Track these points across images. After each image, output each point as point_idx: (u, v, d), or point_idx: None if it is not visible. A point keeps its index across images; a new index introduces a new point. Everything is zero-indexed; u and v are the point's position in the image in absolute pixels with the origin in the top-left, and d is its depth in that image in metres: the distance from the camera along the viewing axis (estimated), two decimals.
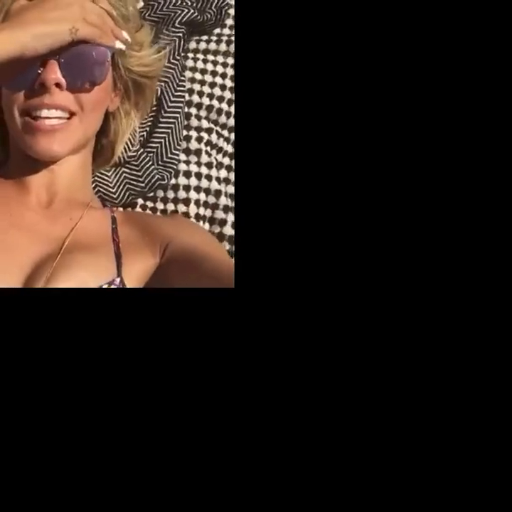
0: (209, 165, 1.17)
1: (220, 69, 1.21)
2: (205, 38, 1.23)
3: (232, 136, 1.20)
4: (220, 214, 1.15)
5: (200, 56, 1.22)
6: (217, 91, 1.20)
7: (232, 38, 1.22)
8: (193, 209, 1.15)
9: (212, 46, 1.22)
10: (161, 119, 1.14)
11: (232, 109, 1.19)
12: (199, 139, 1.17)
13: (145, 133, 1.15)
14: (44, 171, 1.02)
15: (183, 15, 1.16)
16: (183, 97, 1.16)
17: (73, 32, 0.92)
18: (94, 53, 0.97)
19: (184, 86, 1.17)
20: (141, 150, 1.13)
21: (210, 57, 1.22)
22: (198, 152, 1.17)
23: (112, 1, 1.00)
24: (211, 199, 1.16)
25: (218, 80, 1.21)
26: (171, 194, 1.15)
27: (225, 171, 1.18)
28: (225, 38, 1.23)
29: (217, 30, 1.24)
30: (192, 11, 1.17)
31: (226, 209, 1.15)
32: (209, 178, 1.16)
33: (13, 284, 0.92)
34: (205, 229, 1.14)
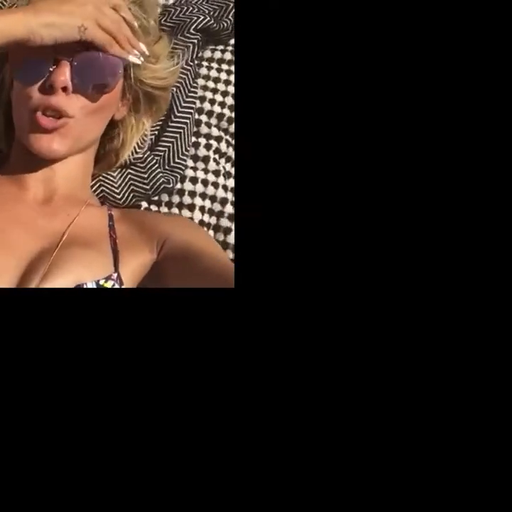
0: (216, 173, 1.16)
1: (233, 79, 1.21)
2: (220, 47, 1.23)
3: None
4: (225, 222, 1.14)
5: (215, 65, 1.22)
6: (229, 100, 1.20)
7: None
8: (197, 215, 1.14)
9: (228, 56, 1.23)
10: (171, 124, 1.14)
11: (234, 114, 1.19)
12: (208, 147, 1.17)
13: (153, 136, 1.15)
14: (43, 168, 1.02)
15: (198, 21, 1.17)
16: (194, 103, 1.16)
17: (82, 30, 0.93)
18: (107, 62, 0.97)
19: (196, 92, 1.17)
20: (149, 153, 1.13)
21: (225, 66, 1.22)
22: (205, 159, 1.16)
23: (135, 11, 1.01)
24: (217, 207, 1.15)
25: (231, 89, 1.20)
26: (176, 199, 1.14)
27: (232, 180, 1.17)
28: None
29: (232, 41, 1.24)
30: (208, 18, 1.17)
31: (231, 217, 1.14)
32: (216, 185, 1.15)
33: (9, 279, 0.92)
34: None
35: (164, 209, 1.14)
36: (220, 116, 1.19)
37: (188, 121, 1.14)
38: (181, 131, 1.14)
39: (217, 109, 1.19)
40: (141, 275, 0.99)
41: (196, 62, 1.18)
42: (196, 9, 1.19)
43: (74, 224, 1.00)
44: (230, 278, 0.86)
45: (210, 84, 1.20)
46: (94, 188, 1.11)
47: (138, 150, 1.11)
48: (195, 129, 1.17)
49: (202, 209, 1.14)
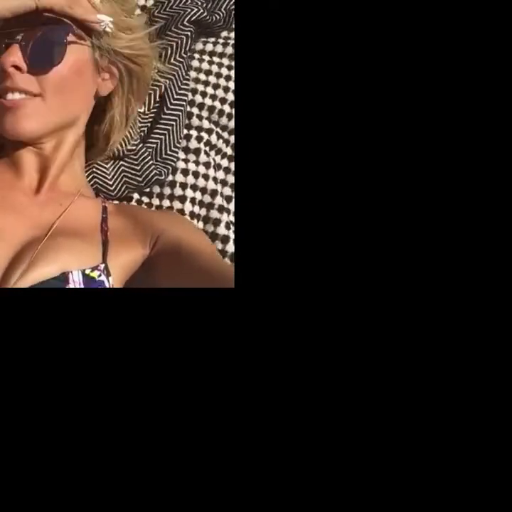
0: (207, 165, 1.17)
1: (224, 71, 1.22)
2: (212, 39, 1.24)
3: (232, 138, 1.20)
4: (214, 213, 1.15)
5: (206, 57, 1.23)
6: (220, 92, 1.20)
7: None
8: (188, 207, 1.15)
9: (219, 48, 1.23)
10: (163, 116, 1.15)
11: (234, 111, 1.20)
12: (199, 139, 1.18)
13: (146, 128, 1.15)
14: (34, 153, 1.03)
15: (192, 13, 1.17)
16: (187, 95, 1.17)
17: None
18: (53, 33, 0.98)
19: (188, 85, 1.18)
20: (141, 145, 1.13)
21: (216, 59, 1.23)
22: (197, 151, 1.17)
23: None
24: (207, 198, 1.16)
25: (222, 81, 1.21)
26: (167, 191, 1.16)
27: (222, 172, 1.19)
28: (231, 41, 1.24)
29: (224, 34, 1.25)
30: (201, 10, 1.18)
31: (221, 209, 1.15)
32: (206, 177, 1.17)
33: None
34: (196, 225, 1.14)
35: (156, 200, 1.16)
36: (212, 109, 1.20)
37: (180, 113, 1.15)
38: (174, 123, 1.15)
39: (208, 101, 1.20)
40: (131, 269, 1.00)
41: (189, 54, 1.19)
42: (189, 1, 1.19)
43: (65, 214, 1.00)
44: (223, 277, 0.87)
45: (202, 76, 1.21)
46: (87, 180, 1.11)
47: (131, 141, 1.12)
48: (186, 122, 1.18)
49: (193, 200, 1.16)
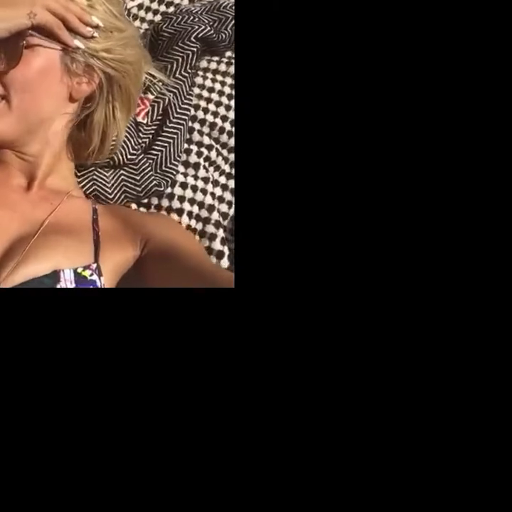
0: (206, 180, 1.18)
1: (227, 90, 1.23)
2: (216, 58, 1.26)
3: (231, 156, 1.21)
4: (210, 228, 1.16)
5: (210, 75, 1.24)
6: (222, 110, 1.22)
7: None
8: (185, 220, 1.15)
9: (223, 67, 1.25)
10: (165, 129, 1.16)
11: (234, 129, 1.21)
12: (199, 154, 1.19)
13: (148, 139, 1.16)
14: (15, 157, 1.03)
15: (199, 30, 1.19)
16: (189, 110, 1.18)
17: (32, 16, 0.94)
18: (7, 37, 0.97)
19: (191, 100, 1.19)
20: (142, 155, 1.14)
21: (219, 77, 1.24)
22: (196, 166, 1.18)
23: None
24: (204, 213, 1.16)
25: (224, 100, 1.23)
26: (165, 203, 1.16)
27: (219, 189, 1.20)
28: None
29: (228, 53, 1.27)
30: (208, 28, 1.20)
31: (217, 224, 1.16)
32: (204, 192, 1.17)
33: None
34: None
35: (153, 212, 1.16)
36: (213, 126, 1.21)
37: (182, 127, 1.16)
38: (175, 136, 1.16)
39: (210, 118, 1.21)
40: (122, 270, 1.00)
41: (193, 70, 1.20)
42: (197, 19, 1.21)
43: (56, 212, 1.01)
44: (212, 279, 0.87)
45: (205, 93, 1.23)
46: (86, 187, 1.12)
47: (132, 151, 1.13)
48: (187, 136, 1.19)
49: (190, 214, 1.16)
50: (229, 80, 1.24)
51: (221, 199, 1.19)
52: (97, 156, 1.11)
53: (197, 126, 1.20)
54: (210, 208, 1.17)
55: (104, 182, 1.12)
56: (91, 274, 0.95)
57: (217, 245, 1.15)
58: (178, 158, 1.16)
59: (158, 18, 1.23)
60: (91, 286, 0.94)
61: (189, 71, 1.18)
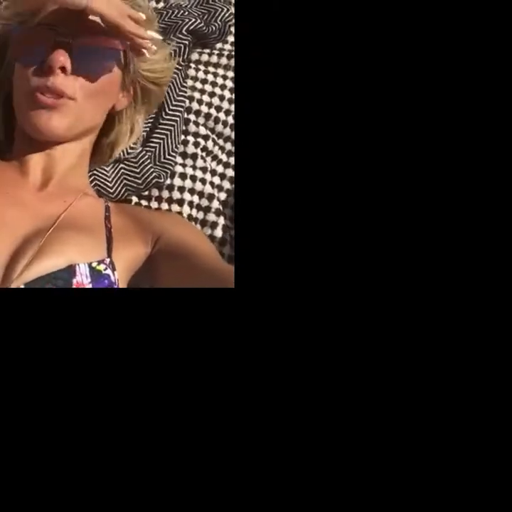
0: (204, 169, 1.20)
1: (219, 80, 1.26)
2: (207, 50, 1.28)
3: (227, 145, 1.23)
4: (211, 217, 1.18)
5: (202, 67, 1.27)
6: (215, 100, 1.24)
7: (233, 53, 1.28)
8: (186, 210, 1.18)
9: (214, 59, 1.27)
10: (162, 121, 1.18)
11: (229, 118, 1.24)
12: (196, 144, 1.21)
13: (145, 133, 1.18)
14: (43, 154, 1.04)
15: (190, 23, 1.21)
16: (184, 102, 1.20)
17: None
18: (108, 43, 1.01)
19: (186, 92, 1.21)
20: (141, 149, 1.16)
21: (211, 68, 1.27)
22: (194, 156, 1.20)
23: (140, 2, 1.05)
24: (204, 202, 1.19)
25: (217, 90, 1.25)
26: (165, 194, 1.18)
27: (217, 177, 1.22)
28: (226, 53, 1.28)
29: (219, 45, 1.29)
30: (199, 20, 1.22)
31: (218, 212, 1.18)
32: (203, 181, 1.19)
33: (1, 256, 0.94)
34: (196, 226, 1.16)
35: (154, 203, 1.18)
36: (208, 116, 1.23)
37: (178, 118, 1.19)
38: (172, 128, 1.18)
39: (204, 108, 1.23)
40: (134, 267, 1.02)
41: (186, 62, 1.22)
42: (187, 12, 1.24)
43: (70, 209, 1.02)
44: (223, 278, 0.88)
45: (198, 85, 1.25)
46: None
47: (131, 145, 1.15)
48: (183, 127, 1.21)
49: (190, 204, 1.18)
50: (221, 71, 1.27)
51: (220, 187, 1.21)
52: (108, 159, 1.14)
53: (192, 117, 1.22)
54: (210, 197, 1.19)
55: (105, 176, 1.15)
56: (105, 269, 0.96)
57: (218, 232, 1.18)
58: (176, 150, 1.18)
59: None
60: (105, 281, 0.95)
61: (182, 64, 1.20)
